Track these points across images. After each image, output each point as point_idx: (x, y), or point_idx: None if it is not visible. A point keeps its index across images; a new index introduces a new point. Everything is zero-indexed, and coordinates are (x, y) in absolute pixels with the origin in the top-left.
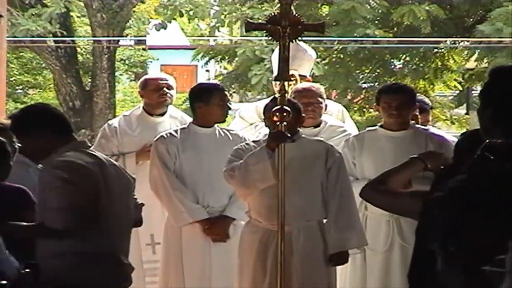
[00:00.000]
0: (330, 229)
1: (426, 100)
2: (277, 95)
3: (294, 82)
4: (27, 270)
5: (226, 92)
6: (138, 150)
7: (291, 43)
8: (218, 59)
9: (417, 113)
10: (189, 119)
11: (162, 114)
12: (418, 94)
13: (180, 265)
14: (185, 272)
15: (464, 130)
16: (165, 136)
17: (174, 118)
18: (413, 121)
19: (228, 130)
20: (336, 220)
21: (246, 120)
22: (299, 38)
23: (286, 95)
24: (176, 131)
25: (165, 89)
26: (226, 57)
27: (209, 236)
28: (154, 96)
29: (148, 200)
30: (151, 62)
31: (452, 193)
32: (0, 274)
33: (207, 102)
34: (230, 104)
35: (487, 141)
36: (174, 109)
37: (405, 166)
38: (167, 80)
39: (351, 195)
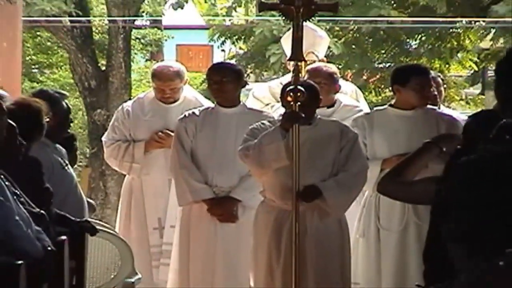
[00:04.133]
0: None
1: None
2: (291, 75)
3: (310, 62)
4: (50, 248)
5: (218, 71)
6: (147, 139)
7: (304, 23)
8: (234, 40)
9: (441, 88)
10: (204, 101)
11: (174, 101)
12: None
13: (186, 247)
14: (190, 251)
15: (479, 109)
16: (186, 115)
17: (189, 101)
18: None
19: (255, 110)
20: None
21: (261, 101)
22: (313, 18)
23: (300, 75)
24: (199, 110)
25: (167, 91)
26: (242, 37)
27: (213, 215)
28: (158, 95)
29: (156, 185)
30: (166, 40)
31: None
32: (24, 254)
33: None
34: (228, 83)
35: (503, 120)
36: (189, 91)
37: (420, 153)
38: (172, 80)
39: (358, 175)
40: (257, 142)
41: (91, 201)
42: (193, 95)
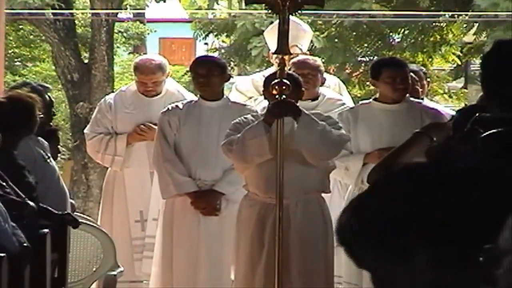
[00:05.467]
0: None
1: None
2: (275, 68)
3: (293, 56)
4: (25, 244)
5: (204, 64)
6: (129, 132)
7: (291, 16)
8: (216, 33)
9: (424, 82)
10: (187, 94)
11: (156, 94)
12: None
13: (170, 238)
14: (173, 244)
15: (462, 104)
16: (169, 108)
17: (171, 93)
18: (421, 90)
19: (238, 104)
20: None
21: (244, 94)
22: (299, 12)
23: (285, 68)
24: (182, 103)
25: (149, 84)
26: (225, 31)
27: (196, 209)
28: (140, 88)
29: (138, 177)
30: (148, 34)
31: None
32: (1, 247)
33: (191, 76)
34: (214, 76)
35: (477, 114)
36: (171, 84)
37: (410, 143)
38: (153, 74)
39: (337, 136)
40: (240, 137)
41: (71, 201)
42: (175, 88)
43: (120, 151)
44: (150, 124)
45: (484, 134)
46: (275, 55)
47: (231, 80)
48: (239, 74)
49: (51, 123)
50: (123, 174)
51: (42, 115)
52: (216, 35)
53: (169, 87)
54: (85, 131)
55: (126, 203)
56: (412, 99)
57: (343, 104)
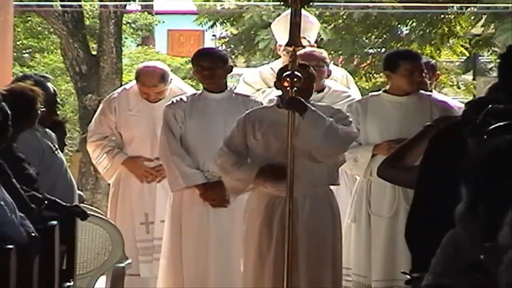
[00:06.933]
0: None
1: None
2: (282, 60)
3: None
4: (34, 234)
5: (210, 56)
6: (138, 171)
7: (302, 8)
8: (222, 22)
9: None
10: (190, 90)
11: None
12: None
13: (178, 232)
14: (182, 237)
15: (471, 95)
16: (174, 101)
17: (174, 93)
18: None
19: (242, 95)
20: None
21: (252, 86)
22: (310, 4)
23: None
24: (187, 96)
25: (152, 95)
26: (231, 20)
27: (205, 200)
28: (143, 95)
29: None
30: (157, 25)
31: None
32: (8, 238)
33: (194, 68)
34: (219, 69)
35: (490, 106)
36: (175, 82)
37: (420, 136)
38: (155, 86)
39: (344, 133)
40: (232, 169)
41: (79, 192)
42: (178, 87)
43: (113, 167)
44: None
45: (492, 126)
46: (282, 47)
47: (239, 71)
48: (246, 66)
49: (57, 114)
50: (128, 177)
51: (44, 108)
52: (222, 23)
53: (172, 86)
54: (89, 127)
55: (131, 205)
56: (421, 91)
57: (349, 96)
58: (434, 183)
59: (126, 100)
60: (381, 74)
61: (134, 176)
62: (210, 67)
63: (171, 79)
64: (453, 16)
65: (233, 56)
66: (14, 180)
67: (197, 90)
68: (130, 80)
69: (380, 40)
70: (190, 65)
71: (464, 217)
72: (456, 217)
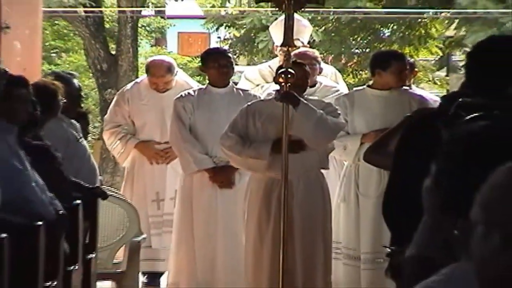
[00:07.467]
0: None
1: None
2: (279, 59)
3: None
4: (62, 212)
5: (225, 55)
6: (149, 152)
7: (294, 13)
8: (226, 25)
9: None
10: (193, 83)
11: (167, 89)
12: None
13: (190, 210)
14: (194, 216)
15: (445, 90)
16: (183, 95)
17: (180, 85)
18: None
19: (242, 90)
20: None
21: (252, 82)
22: (301, 9)
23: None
24: (194, 90)
25: (161, 84)
26: (234, 23)
27: (215, 183)
28: (152, 86)
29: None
30: (168, 28)
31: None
32: (38, 216)
33: (206, 65)
34: (230, 67)
35: (460, 99)
36: (180, 76)
37: (400, 126)
38: (163, 76)
39: (333, 124)
40: (242, 150)
41: (100, 177)
42: (183, 79)
43: (126, 151)
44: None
45: (467, 117)
46: (279, 48)
47: (240, 69)
48: (247, 64)
49: (81, 107)
50: (142, 160)
51: (65, 100)
52: (226, 26)
53: (178, 79)
54: (105, 117)
55: (144, 184)
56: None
57: (338, 90)
58: (406, 170)
59: (137, 92)
60: (366, 71)
61: (146, 159)
62: (226, 64)
63: (177, 72)
64: (429, 20)
65: (235, 56)
66: (57, 163)
67: (202, 85)
68: None
69: (365, 41)
70: (197, 63)
71: (430, 191)
72: (423, 190)
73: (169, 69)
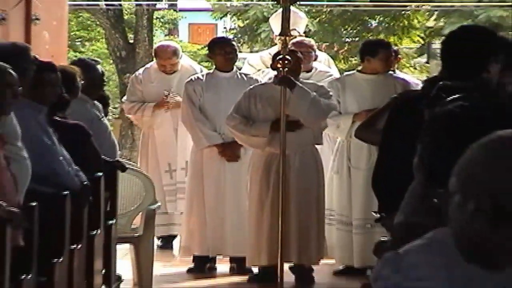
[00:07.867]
0: None
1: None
2: (278, 47)
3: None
4: (86, 183)
5: (230, 44)
6: (157, 102)
7: (291, 6)
8: (232, 16)
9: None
10: (197, 67)
11: (174, 71)
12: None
13: (201, 181)
14: (204, 186)
15: (424, 75)
16: (193, 79)
17: (186, 69)
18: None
19: (245, 75)
20: None
21: (254, 67)
22: (298, 3)
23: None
24: (202, 74)
25: (168, 66)
26: (239, 15)
27: (223, 156)
28: (160, 68)
29: (165, 136)
30: (180, 20)
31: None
32: (65, 187)
33: (213, 52)
34: (235, 54)
35: (441, 82)
36: (185, 60)
37: (387, 106)
38: (170, 59)
39: (325, 105)
40: (245, 128)
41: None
42: (188, 64)
43: (147, 114)
44: (172, 95)
45: (448, 99)
46: (278, 37)
47: (244, 56)
48: (250, 51)
49: (103, 90)
50: (154, 134)
51: (83, 81)
52: (231, 18)
53: (183, 63)
54: (123, 99)
55: (157, 157)
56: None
57: (331, 75)
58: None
59: (148, 75)
60: (356, 57)
61: (156, 133)
62: (232, 51)
63: (181, 55)
64: (411, 12)
65: (239, 44)
66: (92, 139)
67: (209, 70)
68: None
69: (355, 31)
70: (205, 51)
71: (417, 167)
72: (413, 167)
73: (174, 52)
